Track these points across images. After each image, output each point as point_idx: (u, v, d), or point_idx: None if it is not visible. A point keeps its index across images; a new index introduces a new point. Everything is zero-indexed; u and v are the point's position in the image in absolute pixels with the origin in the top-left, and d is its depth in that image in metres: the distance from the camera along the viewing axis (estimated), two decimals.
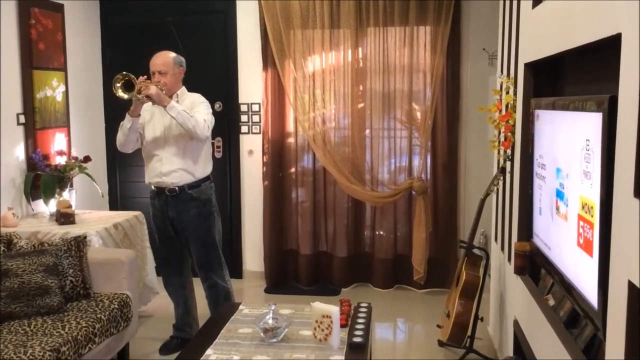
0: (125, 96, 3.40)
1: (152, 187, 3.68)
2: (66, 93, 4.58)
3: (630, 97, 1.41)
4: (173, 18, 4.98)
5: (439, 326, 3.80)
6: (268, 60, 4.84)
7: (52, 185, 4.09)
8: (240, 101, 5.04)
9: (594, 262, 1.68)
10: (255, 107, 5.02)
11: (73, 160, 4.34)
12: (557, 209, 2.10)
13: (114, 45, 5.14)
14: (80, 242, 3.45)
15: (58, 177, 4.14)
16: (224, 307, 3.48)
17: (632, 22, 1.39)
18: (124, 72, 3.41)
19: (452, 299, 3.52)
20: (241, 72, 5.02)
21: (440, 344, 3.78)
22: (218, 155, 5.05)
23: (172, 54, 3.63)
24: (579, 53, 1.99)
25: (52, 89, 4.39)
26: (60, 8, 4.51)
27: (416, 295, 4.85)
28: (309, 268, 5.00)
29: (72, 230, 3.73)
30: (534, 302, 2.46)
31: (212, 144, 4.87)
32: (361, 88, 4.79)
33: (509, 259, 3.12)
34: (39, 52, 4.22)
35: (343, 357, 2.66)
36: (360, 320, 3.02)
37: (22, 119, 4.10)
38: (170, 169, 3.56)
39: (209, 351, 2.72)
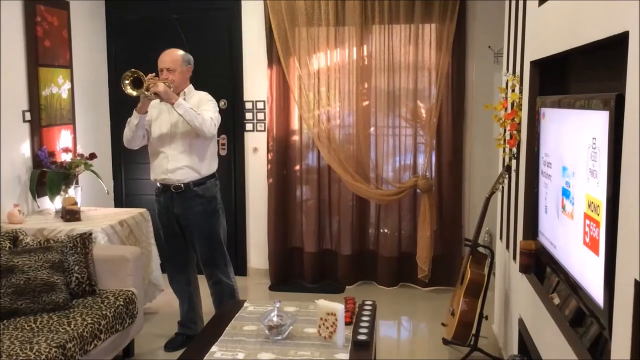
0: (134, 93, 3.41)
1: (158, 184, 3.69)
2: (71, 90, 4.59)
3: (637, 96, 1.40)
4: (178, 15, 4.98)
5: (443, 324, 3.79)
6: (273, 57, 4.84)
7: (57, 182, 4.11)
8: (245, 99, 5.05)
9: (600, 260, 1.68)
10: (260, 105, 5.02)
11: (78, 157, 4.35)
12: (563, 207, 2.10)
13: (119, 42, 5.15)
14: (85, 239, 3.46)
15: (64, 174, 4.16)
16: (228, 304, 3.48)
17: (639, 20, 1.39)
18: (133, 69, 3.41)
19: (457, 297, 3.52)
20: (246, 70, 5.02)
21: (445, 342, 3.78)
22: (223, 152, 5.06)
23: (181, 52, 3.64)
24: (585, 51, 1.98)
25: (57, 86, 4.40)
26: (65, 5, 4.52)
27: (420, 293, 4.84)
28: (313, 266, 5.01)
29: (78, 227, 3.74)
30: (539, 301, 2.45)
31: (217, 141, 4.87)
32: (366, 86, 4.79)
33: (514, 258, 3.12)
34: (45, 50, 4.23)
35: (348, 355, 2.66)
36: (364, 318, 3.02)
37: (28, 116, 4.11)
38: (176, 166, 3.56)
39: (213, 348, 2.73)
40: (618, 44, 1.56)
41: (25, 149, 4.11)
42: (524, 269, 2.63)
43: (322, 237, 5.03)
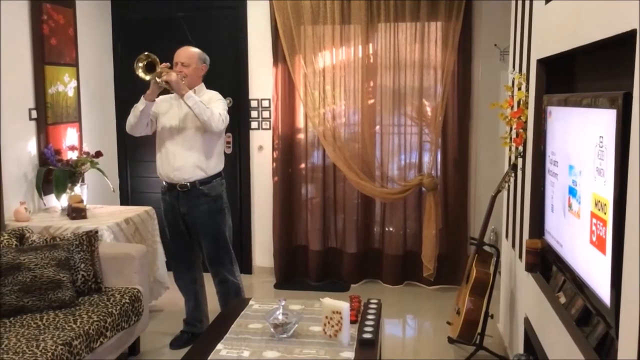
0: (147, 77, 3.42)
1: (164, 183, 3.70)
2: (77, 88, 4.60)
3: None
4: (184, 13, 4.99)
5: (449, 323, 3.79)
6: (278, 55, 4.84)
7: (63, 180, 4.12)
8: (250, 97, 5.05)
9: (607, 259, 1.67)
10: (266, 103, 5.02)
11: (84, 155, 4.37)
12: (570, 206, 2.09)
13: (125, 40, 5.16)
14: (91, 237, 3.47)
15: (70, 172, 4.17)
16: (234, 302, 3.49)
17: None
18: (147, 53, 3.43)
19: (463, 296, 3.52)
20: (251, 68, 5.02)
21: (450, 340, 3.78)
22: (228, 151, 5.06)
23: (198, 50, 3.68)
24: (592, 49, 1.97)
25: (63, 84, 4.41)
26: (71, 3, 4.52)
27: (426, 292, 4.84)
28: (318, 264, 5.01)
29: (84, 225, 3.76)
30: (545, 300, 2.44)
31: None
32: (371, 84, 4.78)
33: (520, 256, 3.11)
34: (51, 48, 4.24)
35: (353, 353, 2.66)
36: (370, 317, 3.02)
37: (34, 114, 4.13)
38: (182, 164, 3.57)
39: (219, 346, 2.74)
40: (625, 42, 1.55)
41: (31, 146, 4.12)
42: (529, 268, 2.62)
43: (327, 235, 5.03)
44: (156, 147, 3.70)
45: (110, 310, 3.17)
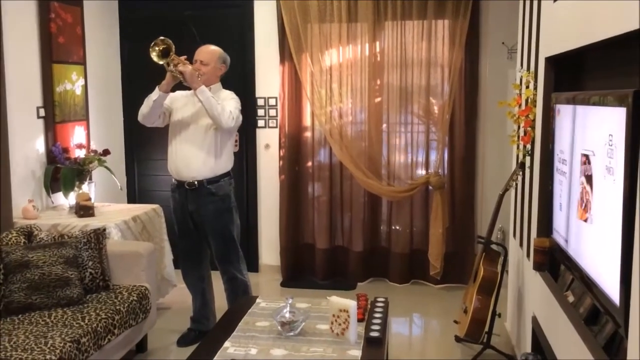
0: (160, 62, 3.44)
1: (173, 180, 3.71)
2: (85, 86, 4.61)
3: None
4: (191, 12, 4.99)
5: (455, 322, 3.78)
6: (285, 54, 4.84)
7: (71, 178, 4.14)
8: (257, 95, 5.05)
9: (616, 258, 1.66)
10: (272, 101, 5.02)
11: (92, 154, 4.38)
12: (578, 204, 2.08)
13: (132, 39, 5.16)
14: (99, 235, 3.48)
15: (77, 170, 4.19)
16: (241, 300, 3.50)
17: None
18: (163, 38, 3.45)
19: (470, 294, 3.51)
20: (258, 66, 5.02)
21: (457, 339, 3.77)
22: (235, 149, 5.04)
23: (220, 50, 3.71)
24: (601, 47, 1.96)
25: (71, 83, 4.42)
26: (79, 2, 4.54)
27: (432, 291, 4.83)
28: (324, 262, 5.01)
29: (92, 223, 3.77)
30: (553, 299, 2.44)
31: None
32: (378, 82, 4.77)
33: (528, 255, 3.10)
34: (59, 46, 4.26)
35: (360, 351, 2.66)
36: (377, 315, 3.02)
37: (42, 112, 4.14)
38: (191, 161, 3.58)
39: (226, 344, 2.74)
40: (635, 39, 1.54)
41: (39, 145, 4.14)
42: (537, 267, 2.61)
43: (334, 233, 5.03)
44: (168, 140, 3.71)
45: (118, 307, 3.18)
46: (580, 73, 2.53)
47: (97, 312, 3.08)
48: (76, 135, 4.48)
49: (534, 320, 2.83)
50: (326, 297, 2.97)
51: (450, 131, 4.71)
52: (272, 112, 5.03)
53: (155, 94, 3.51)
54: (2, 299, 3.08)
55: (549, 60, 2.67)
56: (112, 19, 5.11)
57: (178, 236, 3.81)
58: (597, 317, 2.00)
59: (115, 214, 4.08)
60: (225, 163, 3.67)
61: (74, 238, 3.42)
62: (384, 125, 4.82)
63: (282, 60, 4.86)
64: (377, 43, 4.72)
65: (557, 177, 2.42)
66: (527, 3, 3.38)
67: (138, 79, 5.08)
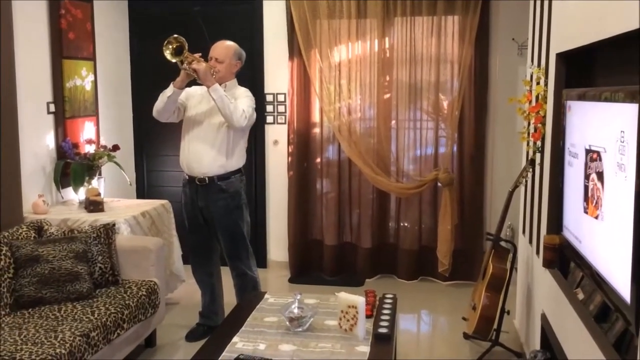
0: (174, 60, 3.44)
1: (185, 176, 3.72)
2: (95, 82, 4.63)
3: None
4: (200, 8, 5.00)
5: (464, 319, 3.78)
6: (294, 50, 4.83)
7: (81, 174, 4.16)
8: (265, 91, 5.05)
9: (627, 255, 1.65)
10: (281, 97, 5.02)
11: (102, 149, 4.40)
12: (589, 202, 2.07)
13: (141, 34, 5.18)
14: (109, 230, 3.50)
15: (87, 166, 4.21)
16: (249, 295, 3.50)
17: None
18: (176, 36, 3.46)
19: (479, 291, 3.50)
20: (267, 62, 5.02)
21: (466, 336, 3.76)
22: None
23: (235, 46, 3.69)
24: (613, 42, 1.95)
25: (81, 78, 4.44)
26: None
27: (441, 287, 4.82)
28: (333, 258, 5.01)
29: (101, 218, 3.79)
30: (562, 296, 2.42)
31: None
32: (387, 78, 4.76)
33: (537, 252, 3.09)
34: (69, 42, 4.27)
35: (368, 348, 2.66)
36: (385, 311, 3.02)
37: (52, 107, 4.16)
38: (202, 157, 3.58)
39: (235, 339, 2.75)
40: None
41: (49, 140, 4.16)
42: (547, 264, 2.60)
43: (342, 230, 5.03)
44: (181, 135, 3.72)
45: (127, 302, 3.20)
46: (591, 69, 2.51)
47: (106, 307, 3.09)
48: (86, 131, 4.50)
49: (543, 318, 2.82)
50: (334, 293, 2.97)
51: (459, 128, 4.69)
52: (281, 109, 5.03)
53: (170, 90, 3.52)
54: (13, 293, 3.10)
55: (560, 57, 2.65)
56: (122, 15, 5.12)
57: (188, 231, 3.82)
58: (607, 315, 1.99)
59: (124, 209, 4.10)
60: (236, 161, 3.68)
61: (84, 233, 3.44)
62: (393, 122, 4.80)
63: (291, 57, 4.86)
64: (387, 39, 4.71)
65: (568, 174, 2.41)
66: None
67: (147, 75, 5.09)
